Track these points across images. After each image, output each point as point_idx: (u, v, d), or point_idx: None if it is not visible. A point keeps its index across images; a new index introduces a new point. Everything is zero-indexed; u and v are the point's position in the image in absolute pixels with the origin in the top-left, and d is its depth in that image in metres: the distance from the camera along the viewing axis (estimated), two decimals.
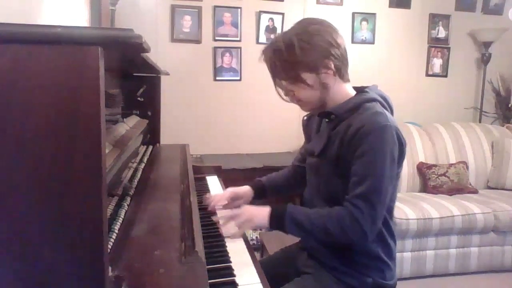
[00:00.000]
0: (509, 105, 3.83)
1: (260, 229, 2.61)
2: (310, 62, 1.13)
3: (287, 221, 1.13)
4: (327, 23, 1.18)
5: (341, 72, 1.17)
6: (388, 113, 1.14)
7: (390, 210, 1.19)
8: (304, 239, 1.32)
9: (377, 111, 1.12)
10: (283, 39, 1.15)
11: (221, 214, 1.32)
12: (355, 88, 1.24)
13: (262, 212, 1.17)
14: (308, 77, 1.15)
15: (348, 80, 1.22)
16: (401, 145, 1.13)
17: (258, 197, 1.48)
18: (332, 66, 1.14)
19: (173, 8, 3.27)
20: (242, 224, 1.18)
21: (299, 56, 1.12)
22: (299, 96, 1.19)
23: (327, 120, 1.21)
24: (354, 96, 1.20)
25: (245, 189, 1.46)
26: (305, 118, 1.38)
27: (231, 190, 1.45)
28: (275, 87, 1.24)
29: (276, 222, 1.15)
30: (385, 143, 1.08)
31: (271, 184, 1.49)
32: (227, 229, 1.20)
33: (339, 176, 1.14)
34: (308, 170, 1.32)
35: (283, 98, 1.25)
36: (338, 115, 1.17)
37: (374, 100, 1.16)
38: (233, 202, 1.42)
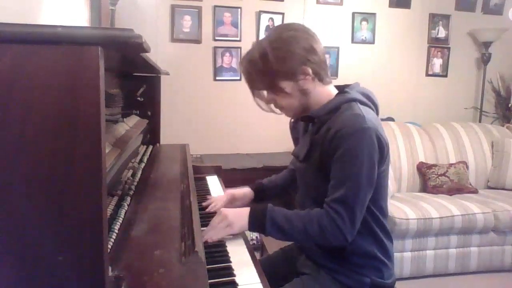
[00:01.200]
0: (509, 105, 3.83)
1: None
2: (287, 70, 1.11)
3: (268, 223, 1.10)
4: (303, 28, 1.15)
5: (320, 76, 1.15)
6: (368, 114, 1.10)
7: (382, 210, 1.18)
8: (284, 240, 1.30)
9: (355, 113, 1.09)
10: (258, 48, 1.13)
11: None
12: (336, 87, 1.22)
13: (242, 215, 1.13)
14: (286, 85, 1.13)
15: (329, 82, 1.19)
16: (382, 146, 1.10)
17: (259, 199, 1.46)
18: (310, 71, 1.12)
19: (173, 8, 3.27)
20: (219, 232, 1.12)
21: (274, 65, 1.10)
22: (281, 104, 1.18)
23: (311, 124, 1.20)
24: (333, 97, 1.17)
25: (244, 191, 1.45)
26: (292, 121, 1.36)
27: (229, 193, 1.44)
28: (254, 98, 1.22)
29: (256, 224, 1.12)
30: (363, 146, 1.05)
31: (271, 185, 1.49)
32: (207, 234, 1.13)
33: (324, 180, 1.12)
34: (297, 175, 1.31)
35: (263, 109, 1.23)
36: (318, 117, 1.15)
37: (353, 100, 1.13)
38: (231, 204, 1.41)
